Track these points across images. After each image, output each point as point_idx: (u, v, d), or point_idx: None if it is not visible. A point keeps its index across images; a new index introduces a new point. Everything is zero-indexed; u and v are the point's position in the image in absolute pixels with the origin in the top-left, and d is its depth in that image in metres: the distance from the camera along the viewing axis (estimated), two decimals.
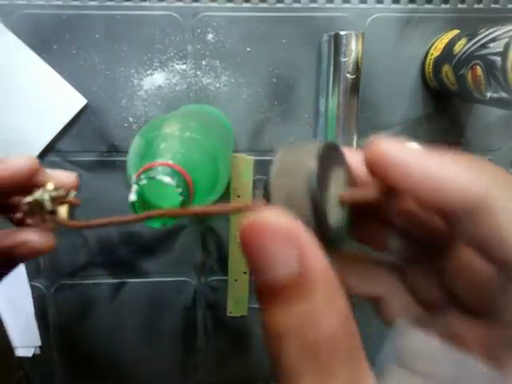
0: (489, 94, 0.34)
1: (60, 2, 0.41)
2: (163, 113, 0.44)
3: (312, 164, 0.15)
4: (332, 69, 0.41)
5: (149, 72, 0.43)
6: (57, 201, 0.21)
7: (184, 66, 0.43)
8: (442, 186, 0.14)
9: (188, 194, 0.25)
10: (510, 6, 0.43)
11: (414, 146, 0.16)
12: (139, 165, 0.26)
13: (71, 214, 0.22)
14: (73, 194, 0.22)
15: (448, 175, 0.14)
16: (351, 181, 0.17)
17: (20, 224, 0.24)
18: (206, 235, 0.47)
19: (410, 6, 0.43)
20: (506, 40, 0.32)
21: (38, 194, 0.21)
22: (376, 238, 0.19)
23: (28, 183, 0.22)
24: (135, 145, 0.30)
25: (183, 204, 0.25)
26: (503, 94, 0.33)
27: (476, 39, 0.35)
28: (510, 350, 0.14)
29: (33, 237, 0.22)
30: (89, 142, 0.44)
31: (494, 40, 0.33)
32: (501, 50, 0.32)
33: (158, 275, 0.48)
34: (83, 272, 0.47)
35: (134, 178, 0.26)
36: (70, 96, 0.42)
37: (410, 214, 0.17)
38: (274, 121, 0.45)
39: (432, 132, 0.46)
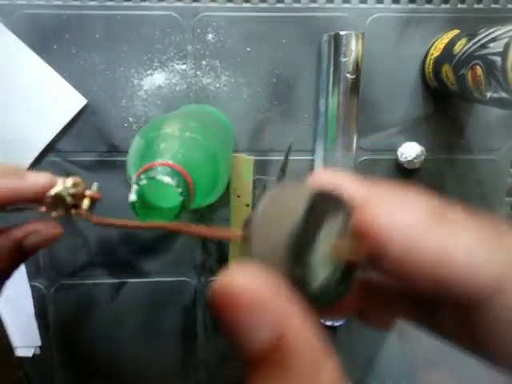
0: (489, 94, 0.34)
1: (60, 2, 0.41)
2: (163, 113, 0.44)
3: (295, 217, 0.14)
4: (332, 69, 0.41)
5: (149, 72, 0.43)
6: (77, 195, 0.22)
7: (184, 66, 0.43)
8: (452, 267, 0.12)
9: (188, 194, 0.25)
10: (510, 5, 0.43)
11: (411, 203, 0.13)
12: (139, 165, 0.26)
13: (92, 207, 0.23)
14: (95, 186, 0.23)
15: (458, 252, 0.12)
16: (350, 230, 0.15)
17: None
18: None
19: (410, 5, 0.43)
20: (506, 40, 0.32)
21: (58, 189, 0.22)
22: (376, 308, 0.17)
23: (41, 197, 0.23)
24: (135, 145, 0.30)
25: (183, 204, 0.25)
26: (503, 94, 0.33)
27: (476, 39, 0.35)
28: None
29: (42, 226, 0.23)
30: (89, 141, 0.44)
31: (494, 40, 0.33)
32: (501, 50, 0.32)
33: (158, 275, 0.48)
34: (83, 272, 0.47)
35: (134, 177, 0.26)
36: (69, 96, 0.42)
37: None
38: (273, 121, 0.45)
39: (432, 132, 0.46)
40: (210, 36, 0.42)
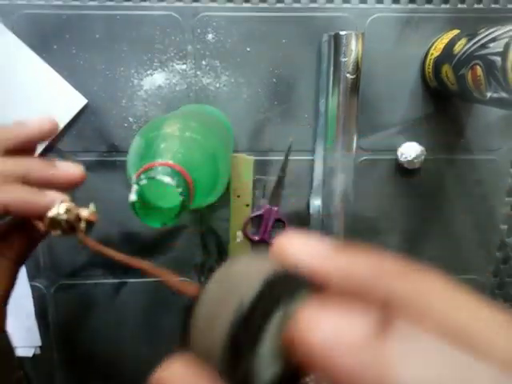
0: (489, 94, 0.34)
1: (60, 2, 0.41)
2: (163, 113, 0.44)
3: (240, 307, 0.12)
4: (332, 69, 0.41)
5: (149, 72, 0.43)
6: (72, 219, 0.23)
7: (184, 66, 0.43)
8: None
9: (188, 194, 0.25)
10: (510, 5, 0.43)
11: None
12: (139, 165, 0.26)
13: (88, 229, 0.24)
14: (91, 208, 0.24)
15: None
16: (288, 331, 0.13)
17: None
18: (205, 235, 0.47)
19: (410, 6, 0.43)
20: (506, 40, 0.32)
21: (53, 213, 0.23)
22: None
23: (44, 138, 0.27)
24: (135, 145, 0.30)
25: (183, 204, 0.25)
26: (503, 94, 0.33)
27: (476, 39, 0.35)
28: None
29: (69, 168, 0.27)
30: (89, 141, 0.44)
31: (494, 40, 0.33)
32: (501, 50, 0.32)
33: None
34: (83, 272, 0.47)
35: (134, 177, 0.26)
36: (69, 96, 0.42)
37: None
38: (273, 121, 0.45)
39: (432, 132, 0.46)
40: (210, 36, 0.42)
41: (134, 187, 0.25)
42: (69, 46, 0.42)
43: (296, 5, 0.42)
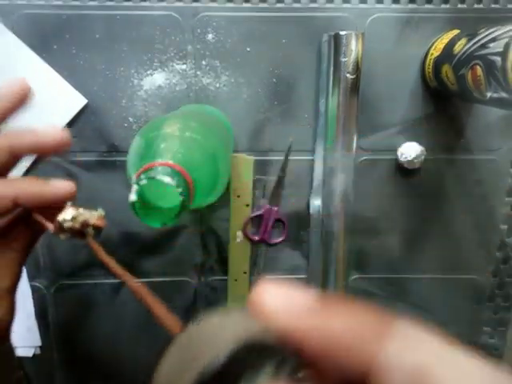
0: (489, 94, 0.34)
1: (60, 2, 0.41)
2: (163, 113, 0.44)
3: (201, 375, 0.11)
4: (332, 69, 0.41)
5: (149, 72, 0.43)
6: (81, 223, 0.24)
7: (184, 66, 0.43)
8: None
9: (188, 194, 0.25)
10: (510, 5, 0.43)
11: None
12: (139, 165, 0.26)
13: (97, 234, 0.25)
14: (99, 212, 0.25)
15: None
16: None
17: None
18: (206, 235, 0.47)
19: (410, 6, 0.43)
20: (506, 40, 0.32)
21: (62, 217, 0.23)
22: None
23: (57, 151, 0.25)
24: (135, 145, 0.30)
25: (183, 204, 0.25)
26: (503, 94, 0.33)
27: (476, 39, 0.35)
28: None
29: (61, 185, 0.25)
30: (89, 141, 0.44)
31: (494, 40, 0.33)
32: (501, 50, 0.32)
33: (158, 275, 0.48)
34: (83, 272, 0.47)
35: (134, 177, 0.26)
36: (69, 96, 0.42)
37: None
38: (273, 121, 0.45)
39: (432, 132, 0.46)
40: (210, 36, 0.42)
41: (134, 187, 0.25)
42: (69, 46, 0.42)
43: (296, 5, 0.42)
